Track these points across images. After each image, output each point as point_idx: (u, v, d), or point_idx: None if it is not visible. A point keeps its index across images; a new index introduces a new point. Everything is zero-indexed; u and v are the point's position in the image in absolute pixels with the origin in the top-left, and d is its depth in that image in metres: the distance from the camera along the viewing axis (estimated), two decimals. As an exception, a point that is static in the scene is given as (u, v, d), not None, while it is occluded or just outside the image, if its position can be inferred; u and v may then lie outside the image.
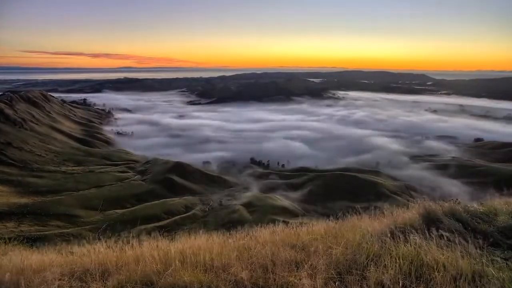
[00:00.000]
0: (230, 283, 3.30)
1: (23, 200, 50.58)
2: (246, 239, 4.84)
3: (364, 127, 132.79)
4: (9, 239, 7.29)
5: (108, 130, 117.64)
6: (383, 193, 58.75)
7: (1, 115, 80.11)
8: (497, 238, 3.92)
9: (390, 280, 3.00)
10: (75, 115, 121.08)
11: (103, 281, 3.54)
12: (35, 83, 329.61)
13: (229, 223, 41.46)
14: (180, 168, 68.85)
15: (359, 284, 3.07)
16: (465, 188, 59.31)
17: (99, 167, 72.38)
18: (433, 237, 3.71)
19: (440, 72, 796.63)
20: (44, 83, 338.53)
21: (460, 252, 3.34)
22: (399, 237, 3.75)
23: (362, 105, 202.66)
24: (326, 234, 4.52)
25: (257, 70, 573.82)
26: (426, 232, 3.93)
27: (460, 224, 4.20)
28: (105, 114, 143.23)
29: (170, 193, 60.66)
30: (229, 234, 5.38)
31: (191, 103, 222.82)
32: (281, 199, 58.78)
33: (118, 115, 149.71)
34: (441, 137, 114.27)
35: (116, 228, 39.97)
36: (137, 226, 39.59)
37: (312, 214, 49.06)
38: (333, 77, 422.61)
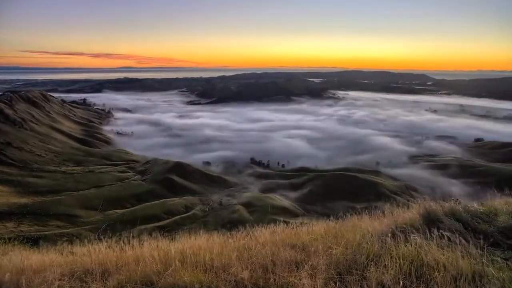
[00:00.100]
0: (230, 283, 3.30)
1: (23, 200, 50.58)
2: (246, 239, 4.84)
3: (364, 127, 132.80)
4: (9, 239, 7.29)
5: (108, 130, 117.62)
6: (383, 193, 58.72)
7: (1, 115, 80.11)
8: (497, 238, 3.92)
9: (391, 280, 3.00)
10: (75, 115, 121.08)
11: (103, 281, 3.54)
12: (35, 83, 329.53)
13: (229, 223, 41.46)
14: (180, 168, 68.85)
15: (359, 284, 3.07)
16: (465, 188, 59.29)
17: (99, 167, 72.38)
18: (433, 237, 3.71)
19: (440, 72, 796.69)
20: (44, 83, 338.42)
21: (461, 252, 3.34)
22: (400, 237, 3.75)
23: (362, 105, 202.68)
24: (326, 234, 4.52)
25: (257, 70, 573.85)
26: (427, 232, 3.93)
27: (461, 224, 4.20)
28: (105, 114, 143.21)
29: (170, 193, 60.67)
30: (229, 234, 5.38)
31: (191, 103, 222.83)
32: (281, 199, 58.79)
33: (118, 115, 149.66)
34: (441, 137, 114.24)
35: (116, 228, 39.95)
36: (137, 226, 39.58)
37: (312, 214, 49.08)
38: (333, 77, 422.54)
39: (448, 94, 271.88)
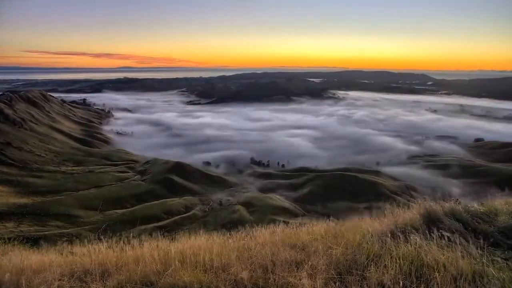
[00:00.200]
0: (230, 283, 3.29)
1: (23, 200, 50.56)
2: (246, 239, 4.84)
3: (364, 127, 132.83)
4: (9, 239, 7.28)
5: (108, 130, 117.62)
6: (384, 193, 58.72)
7: (0, 115, 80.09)
8: (497, 238, 3.92)
9: (391, 281, 3.00)
10: (74, 115, 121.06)
11: (103, 281, 3.54)
12: (35, 83, 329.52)
13: (229, 223, 41.50)
14: (180, 168, 68.84)
15: (360, 284, 3.07)
16: (466, 188, 59.28)
17: (99, 167, 72.36)
18: (433, 237, 3.71)
19: (441, 72, 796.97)
20: (44, 83, 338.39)
21: (461, 252, 3.34)
22: (400, 237, 3.75)
23: (362, 105, 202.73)
24: (326, 234, 4.52)
25: (257, 70, 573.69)
26: (427, 232, 3.93)
27: (461, 224, 4.20)
28: (105, 114, 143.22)
29: (170, 193, 60.65)
30: (229, 234, 5.38)
31: (191, 103, 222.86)
32: (281, 199, 58.78)
33: (118, 115, 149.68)
34: (442, 137, 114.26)
35: (116, 228, 39.97)
36: (137, 226, 39.57)
37: (312, 214, 49.07)
38: (333, 77, 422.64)
39: (448, 94, 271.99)
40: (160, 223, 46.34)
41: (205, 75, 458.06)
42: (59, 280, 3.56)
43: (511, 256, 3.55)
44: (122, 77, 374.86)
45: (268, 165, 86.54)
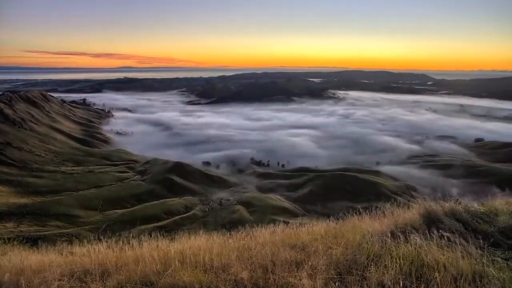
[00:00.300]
0: (230, 283, 3.29)
1: (23, 200, 50.56)
2: (246, 239, 4.84)
3: (364, 127, 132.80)
4: (9, 239, 7.28)
5: (107, 130, 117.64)
6: (384, 193, 58.71)
7: (0, 115, 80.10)
8: (497, 238, 3.92)
9: (391, 281, 3.00)
10: (74, 115, 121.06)
11: (103, 281, 3.54)
12: (35, 83, 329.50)
13: (229, 223, 41.46)
14: (180, 168, 68.84)
15: (360, 284, 3.07)
16: (466, 188, 59.25)
17: (98, 167, 72.36)
18: (433, 237, 3.71)
19: (441, 72, 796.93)
20: (44, 83, 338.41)
21: (461, 253, 3.34)
22: (400, 238, 3.74)
23: (362, 105, 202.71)
24: (326, 235, 4.52)
25: (257, 70, 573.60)
26: (427, 232, 3.93)
27: (461, 224, 4.20)
28: (105, 114, 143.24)
29: (170, 193, 60.66)
30: (229, 234, 5.38)
31: (191, 103, 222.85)
32: (281, 199, 58.77)
33: (117, 115, 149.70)
34: (442, 137, 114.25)
35: (115, 228, 39.99)
36: (136, 226, 39.58)
37: (312, 214, 49.08)
38: (333, 77, 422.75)
39: (449, 94, 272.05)
40: (160, 223, 46.35)
41: (205, 75, 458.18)
42: (59, 280, 3.56)
43: (511, 256, 3.54)
44: (122, 77, 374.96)
45: (268, 165, 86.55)
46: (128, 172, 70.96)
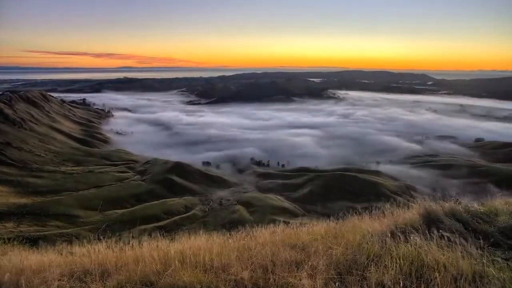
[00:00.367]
0: (230, 283, 3.29)
1: (23, 200, 50.56)
2: (246, 239, 4.84)
3: (364, 127, 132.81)
4: (9, 239, 7.28)
5: (107, 130, 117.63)
6: (384, 193, 58.68)
7: (0, 115, 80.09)
8: (497, 238, 3.91)
9: (391, 281, 3.00)
10: (74, 115, 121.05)
11: (103, 281, 3.54)
12: (35, 83, 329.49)
13: (229, 223, 41.43)
14: (180, 168, 68.83)
15: (360, 284, 3.07)
16: (466, 188, 59.27)
17: (98, 167, 72.35)
18: (433, 238, 3.70)
19: (441, 72, 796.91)
20: (44, 83, 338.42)
21: (461, 253, 3.34)
22: (400, 238, 3.74)
23: (362, 104, 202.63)
24: (326, 235, 4.52)
25: (257, 70, 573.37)
26: (427, 232, 3.92)
27: (461, 224, 4.19)
28: (105, 114, 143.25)
29: (170, 193, 60.65)
30: (229, 235, 5.38)
31: (191, 103, 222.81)
32: (281, 199, 58.77)
33: (117, 115, 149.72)
34: (442, 137, 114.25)
35: (115, 228, 39.98)
36: (136, 227, 39.59)
37: (312, 214, 49.07)
38: (334, 77, 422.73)
39: (449, 94, 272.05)
40: (160, 223, 46.33)
41: (205, 75, 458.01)
42: (59, 280, 3.56)
43: (511, 256, 3.54)
44: (122, 77, 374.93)
45: (268, 165, 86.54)
46: (128, 172, 70.96)
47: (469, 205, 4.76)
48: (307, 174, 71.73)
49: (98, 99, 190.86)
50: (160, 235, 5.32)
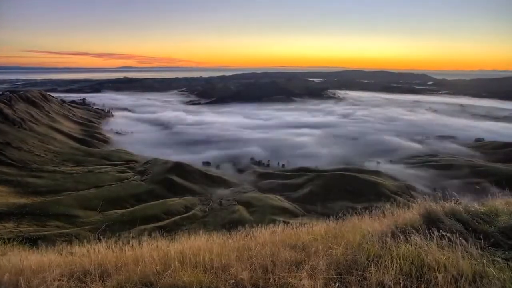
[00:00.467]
0: (230, 283, 3.29)
1: (22, 200, 50.53)
2: (246, 239, 4.84)
3: (364, 127, 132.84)
4: (8, 239, 7.28)
5: (107, 130, 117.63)
6: (384, 193, 58.67)
7: (0, 114, 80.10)
8: (498, 239, 3.91)
9: (391, 281, 2.99)
10: (74, 115, 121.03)
11: (103, 281, 3.54)
12: (34, 83, 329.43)
13: (229, 223, 41.45)
14: (179, 168, 68.82)
15: (360, 284, 3.07)
16: (466, 188, 59.23)
17: (98, 167, 72.33)
18: (433, 238, 3.70)
19: (441, 72, 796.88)
20: (44, 82, 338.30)
21: (461, 253, 3.34)
22: (400, 238, 3.74)
23: (362, 104, 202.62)
24: (326, 235, 4.52)
25: (257, 70, 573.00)
26: (427, 232, 3.92)
27: (461, 225, 4.19)
28: (105, 114, 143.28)
29: (170, 193, 60.64)
30: (229, 235, 5.38)
31: (190, 103, 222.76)
32: (281, 199, 58.76)
33: (117, 114, 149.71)
34: (442, 137, 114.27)
35: (115, 228, 39.98)
36: (136, 227, 39.54)
37: (312, 215, 49.07)
38: (334, 77, 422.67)
39: (449, 94, 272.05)
40: (160, 223, 46.31)
41: (205, 75, 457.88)
42: (59, 280, 3.55)
43: (512, 257, 3.54)
44: (122, 77, 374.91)
45: (268, 165, 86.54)
46: (128, 172, 70.94)
47: (469, 205, 4.75)
48: (307, 174, 71.73)
49: (98, 99, 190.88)
50: (160, 235, 5.32)
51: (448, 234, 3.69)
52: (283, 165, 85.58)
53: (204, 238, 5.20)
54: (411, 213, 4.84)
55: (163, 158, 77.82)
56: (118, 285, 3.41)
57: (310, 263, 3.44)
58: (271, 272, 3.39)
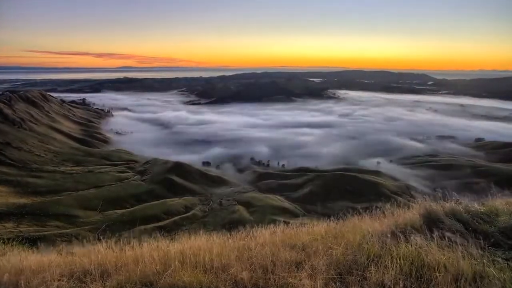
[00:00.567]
0: (230, 283, 3.29)
1: (22, 201, 50.53)
2: (246, 239, 4.84)
3: (365, 127, 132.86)
4: (8, 239, 7.28)
5: (107, 130, 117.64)
6: (384, 193, 58.66)
7: (0, 115, 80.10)
8: (498, 239, 3.91)
9: (391, 281, 2.99)
10: (74, 115, 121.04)
11: (103, 281, 3.53)
12: (34, 83, 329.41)
13: (229, 223, 41.44)
14: (179, 168, 68.81)
15: (360, 284, 3.07)
16: (466, 188, 59.22)
17: (98, 167, 72.33)
18: (434, 238, 3.70)
19: (441, 72, 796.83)
20: (43, 82, 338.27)
21: (461, 253, 3.34)
22: (400, 238, 3.74)
23: (362, 104, 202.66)
24: (327, 235, 4.51)
25: (257, 70, 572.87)
26: (427, 232, 3.92)
27: (461, 225, 4.19)
28: (105, 114, 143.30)
29: (170, 193, 60.64)
30: (229, 235, 5.38)
31: (190, 103, 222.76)
32: (281, 199, 58.76)
33: (117, 114, 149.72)
34: (442, 137, 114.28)
35: (115, 228, 40.00)
36: (136, 227, 39.57)
37: (313, 215, 49.05)
38: (334, 77, 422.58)
39: (449, 94, 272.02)
40: (160, 223, 46.30)
41: (205, 75, 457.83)
42: (58, 280, 3.55)
43: (512, 257, 3.54)
44: (122, 77, 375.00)
45: (268, 165, 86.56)
46: (128, 172, 70.94)
47: (470, 205, 4.75)
48: (307, 174, 71.73)
49: (98, 99, 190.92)
50: (160, 235, 5.32)
51: (449, 234, 3.69)
52: (283, 165, 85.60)
53: (204, 238, 5.20)
54: (411, 213, 4.84)
55: (163, 158, 77.83)
56: (118, 285, 3.41)
57: (310, 263, 3.44)
58: (271, 272, 3.38)
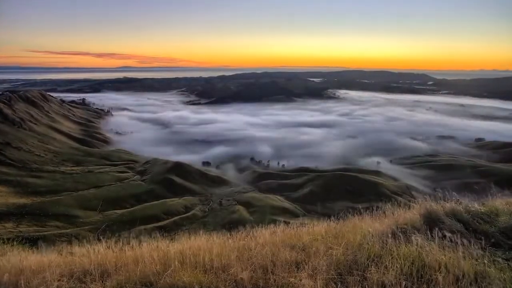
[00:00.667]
0: (230, 283, 3.28)
1: (22, 201, 50.52)
2: (246, 239, 4.83)
3: (365, 127, 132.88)
4: (8, 239, 7.27)
5: (107, 130, 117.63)
6: (384, 193, 58.65)
7: (0, 114, 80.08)
8: (498, 239, 3.91)
9: (392, 281, 2.99)
10: (74, 115, 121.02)
11: (102, 281, 3.53)
12: (34, 83, 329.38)
13: (229, 223, 41.44)
14: (179, 168, 68.80)
15: (360, 284, 3.06)
16: (466, 188, 59.12)
17: (98, 167, 72.32)
18: (434, 238, 3.70)
19: (441, 72, 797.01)
20: (43, 82, 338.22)
21: (462, 253, 3.33)
22: (400, 238, 3.73)
23: (362, 104, 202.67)
24: (327, 235, 4.51)
25: (257, 70, 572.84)
26: (428, 232, 3.92)
27: (462, 225, 4.19)
28: (104, 114, 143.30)
29: (170, 193, 60.62)
30: (229, 235, 5.37)
31: (190, 103, 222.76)
32: (281, 199, 58.76)
33: (117, 114, 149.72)
34: (442, 137, 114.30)
35: (115, 228, 40.01)
36: (136, 227, 39.55)
37: (313, 215, 49.03)
38: (334, 77, 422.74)
39: (449, 94, 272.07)
40: (159, 224, 46.29)
41: (205, 75, 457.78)
42: (58, 280, 3.55)
43: (512, 257, 3.53)
44: (121, 77, 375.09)
45: (268, 165, 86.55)
46: (128, 172, 70.93)
47: (470, 205, 4.75)
48: (307, 174, 71.71)
49: (97, 99, 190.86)
50: (160, 235, 5.31)
51: (449, 234, 3.68)
52: (283, 165, 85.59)
53: (204, 238, 5.20)
54: (411, 213, 4.84)
55: (163, 158, 77.82)
56: (118, 285, 3.40)
57: (310, 263, 3.44)
58: (271, 272, 3.38)
